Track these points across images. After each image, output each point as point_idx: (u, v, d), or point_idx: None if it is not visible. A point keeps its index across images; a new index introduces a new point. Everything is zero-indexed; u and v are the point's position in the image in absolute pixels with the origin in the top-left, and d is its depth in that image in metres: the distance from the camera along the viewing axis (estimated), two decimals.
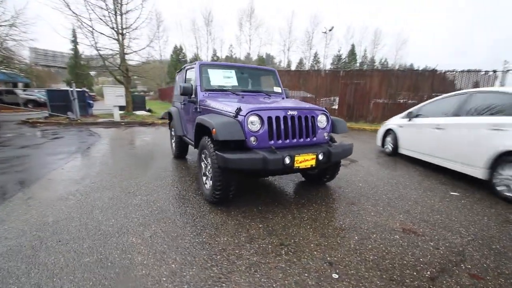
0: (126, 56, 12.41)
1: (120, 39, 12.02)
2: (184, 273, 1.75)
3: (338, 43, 58.42)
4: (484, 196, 3.29)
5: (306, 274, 1.77)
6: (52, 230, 2.25)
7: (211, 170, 2.78)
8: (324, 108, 3.12)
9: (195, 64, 3.82)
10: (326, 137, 3.07)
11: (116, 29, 11.81)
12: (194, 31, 42.92)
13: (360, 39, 48.09)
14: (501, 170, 3.24)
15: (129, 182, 3.53)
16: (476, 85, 11.33)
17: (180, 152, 4.82)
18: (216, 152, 2.52)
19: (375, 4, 69.05)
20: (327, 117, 3.08)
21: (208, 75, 3.71)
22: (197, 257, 1.92)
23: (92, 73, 33.56)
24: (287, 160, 2.53)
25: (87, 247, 2.02)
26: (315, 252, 2.02)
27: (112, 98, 10.04)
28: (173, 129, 5.02)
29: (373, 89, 12.16)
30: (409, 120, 5.09)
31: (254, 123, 2.62)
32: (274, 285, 1.66)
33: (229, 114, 2.75)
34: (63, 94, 10.56)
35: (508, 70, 9.85)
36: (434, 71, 11.39)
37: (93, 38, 11.64)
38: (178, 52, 42.68)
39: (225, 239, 2.19)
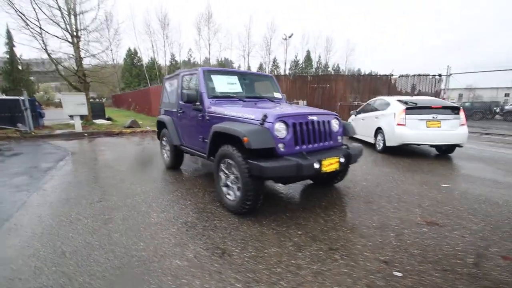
0: (84, 60, 11.31)
1: (75, 41, 10.92)
2: None
3: (295, 49, 61.00)
4: (468, 186, 3.74)
5: (371, 276, 1.82)
6: (75, 263, 1.94)
7: (237, 179, 2.69)
8: (335, 113, 3.26)
9: (197, 70, 3.67)
10: (340, 140, 3.20)
11: (70, 31, 10.70)
12: (150, 35, 40.78)
13: (315, 45, 50.96)
14: (377, 137, 6.41)
15: (134, 199, 3.21)
16: (413, 87, 12.96)
17: (176, 162, 4.55)
18: (249, 161, 2.45)
19: (326, 13, 74.05)
20: (339, 121, 3.22)
21: (212, 82, 3.59)
22: (258, 273, 1.84)
23: (31, 78, 29.66)
24: (317, 165, 2.57)
25: (130, 278, 1.79)
26: (365, 253, 2.09)
27: (72, 106, 9.02)
28: (164, 139, 4.72)
29: (339, 92, 12.99)
30: (355, 116, 7.84)
31: (281, 130, 2.62)
32: None
33: (253, 122, 2.70)
34: (9, 103, 9.16)
35: (450, 74, 11.40)
36: (390, 75, 12.63)
37: (42, 40, 10.39)
38: (132, 56, 40.21)
39: (274, 250, 2.13)
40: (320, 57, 50.87)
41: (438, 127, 5.43)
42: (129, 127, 11.41)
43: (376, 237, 2.33)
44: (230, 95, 3.63)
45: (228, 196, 2.88)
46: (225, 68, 3.89)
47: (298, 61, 49.49)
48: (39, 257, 2.02)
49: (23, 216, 2.75)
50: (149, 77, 39.21)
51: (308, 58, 49.64)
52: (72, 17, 10.60)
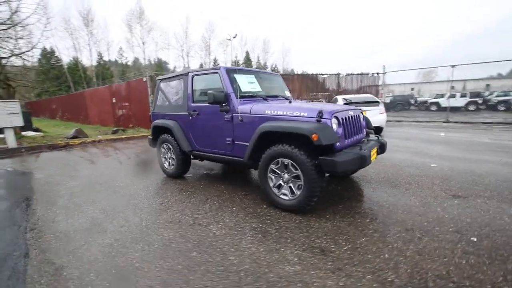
0: (4, 61, 9.20)
1: None
2: (388, 278, 1.73)
3: (234, 49, 61.42)
4: (450, 164, 4.51)
5: (458, 245, 2.08)
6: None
7: (296, 178, 2.69)
8: (359, 108, 3.53)
9: (218, 69, 3.47)
10: (365, 133, 3.49)
11: None
12: (71, 32, 35.48)
13: (253, 46, 52.53)
14: None
15: (170, 214, 2.86)
16: (338, 85, 14.84)
17: (183, 169, 4.19)
18: (321, 157, 2.48)
19: (262, 15, 76.75)
20: (363, 115, 3.50)
21: (236, 82, 3.45)
22: (373, 262, 1.91)
23: None
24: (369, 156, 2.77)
25: None
26: (436, 228, 2.36)
27: (2, 117, 7.26)
28: (165, 146, 4.28)
29: (295, 91, 13.75)
30: None
31: (335, 125, 2.72)
32: (454, 259, 1.89)
33: (307, 119, 2.71)
34: None
35: (386, 72, 13.29)
36: (338, 74, 13.99)
37: None
38: (48, 56, 34.35)
39: (364, 239, 2.23)
40: (259, 57, 52.65)
41: (364, 115, 7.94)
42: (74, 137, 9.83)
43: (430, 214, 2.65)
44: (254, 94, 3.55)
45: (282, 197, 2.83)
46: (242, 67, 3.77)
47: (238, 62, 50.08)
48: None
49: (50, 253, 2.17)
50: (72, 79, 34.27)
51: (247, 59, 50.78)
52: None
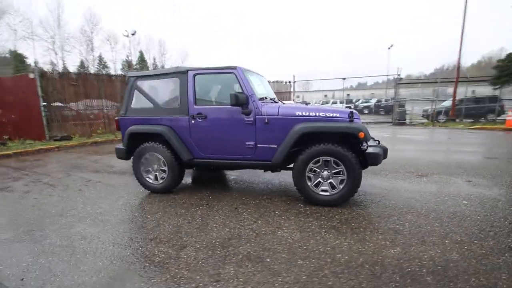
0: None
1: None
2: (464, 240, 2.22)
3: (125, 48, 54.31)
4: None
5: (462, 206, 2.86)
6: None
7: (338, 174, 2.91)
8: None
9: (234, 69, 3.24)
10: None
11: None
12: None
13: (148, 47, 48.21)
14: None
15: (217, 232, 2.50)
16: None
17: (177, 182, 3.62)
18: (368, 151, 2.82)
19: (158, 13, 71.23)
20: None
21: (252, 83, 3.33)
22: (433, 234, 2.37)
23: None
24: None
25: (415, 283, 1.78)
26: (439, 199, 3.12)
27: None
28: (150, 156, 3.56)
29: None
30: None
31: None
32: (481, 215, 2.61)
33: (341, 119, 2.99)
34: None
35: (295, 81, 15.28)
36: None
37: None
38: None
39: (409, 216, 2.69)
40: (155, 59, 48.96)
41: None
42: None
43: (423, 190, 3.44)
44: (264, 96, 3.52)
45: (322, 193, 2.98)
46: (244, 68, 3.62)
47: (131, 61, 44.86)
48: None
49: None
50: None
51: (142, 59, 46.37)
52: None
